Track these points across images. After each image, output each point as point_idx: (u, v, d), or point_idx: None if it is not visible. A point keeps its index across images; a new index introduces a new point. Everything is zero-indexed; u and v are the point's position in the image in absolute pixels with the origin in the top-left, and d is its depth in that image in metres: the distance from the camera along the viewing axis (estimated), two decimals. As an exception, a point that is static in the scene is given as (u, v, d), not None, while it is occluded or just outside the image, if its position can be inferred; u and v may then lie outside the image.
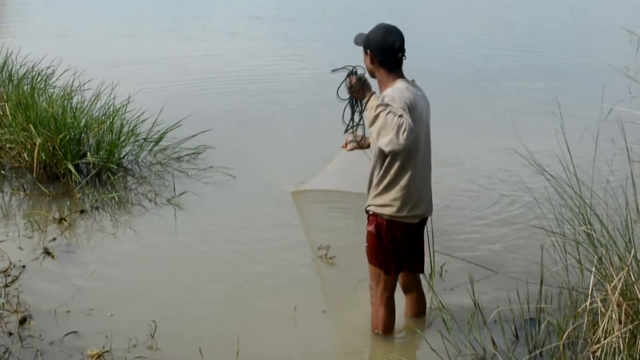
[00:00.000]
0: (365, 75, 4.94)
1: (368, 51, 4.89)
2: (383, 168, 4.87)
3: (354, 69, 4.95)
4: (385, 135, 4.55)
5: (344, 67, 4.98)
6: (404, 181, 4.85)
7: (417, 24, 18.51)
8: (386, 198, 4.92)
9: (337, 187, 7.25)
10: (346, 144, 5.69)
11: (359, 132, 5.33)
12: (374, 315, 5.29)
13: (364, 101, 4.82)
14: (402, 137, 4.49)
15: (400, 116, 4.52)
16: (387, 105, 4.60)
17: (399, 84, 4.81)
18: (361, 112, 5.03)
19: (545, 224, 5.64)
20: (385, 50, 4.81)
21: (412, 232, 5.06)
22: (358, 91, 4.91)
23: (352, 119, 5.13)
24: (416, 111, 4.71)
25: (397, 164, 4.82)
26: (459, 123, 10.36)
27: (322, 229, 7.20)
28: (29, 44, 12.92)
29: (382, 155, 4.83)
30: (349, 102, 5.08)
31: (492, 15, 22.08)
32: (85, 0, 24.09)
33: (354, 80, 4.91)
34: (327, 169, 7.04)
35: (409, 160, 4.81)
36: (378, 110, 4.60)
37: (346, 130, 5.25)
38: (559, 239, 5.09)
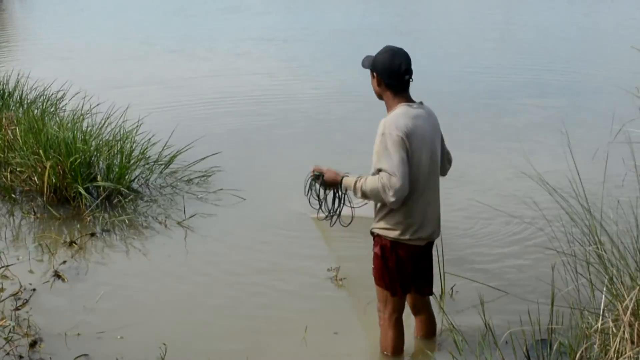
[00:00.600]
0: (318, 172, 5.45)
1: (375, 74, 4.90)
2: None
3: (312, 176, 5.55)
4: (379, 199, 4.78)
5: (310, 179, 5.64)
6: (407, 206, 4.84)
7: (427, 44, 18.60)
8: (389, 222, 4.92)
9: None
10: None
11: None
12: (382, 337, 5.27)
13: (340, 186, 5.22)
14: (389, 196, 4.68)
15: (379, 171, 4.73)
16: (359, 177, 4.89)
17: (399, 109, 4.82)
18: (344, 194, 5.60)
19: (555, 245, 5.62)
20: (392, 73, 4.82)
21: (417, 254, 5.05)
22: (330, 184, 5.37)
23: (332, 207, 5.75)
24: (415, 136, 4.73)
25: None
26: (468, 141, 10.35)
27: (332, 251, 7.19)
28: (38, 67, 13.05)
29: None
30: (333, 193, 5.68)
31: (503, 34, 22.14)
32: (89, 23, 24.31)
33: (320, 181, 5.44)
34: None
35: (412, 186, 4.79)
36: (358, 185, 4.86)
37: (326, 217, 5.90)
38: (569, 259, 5.07)
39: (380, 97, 4.98)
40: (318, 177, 5.41)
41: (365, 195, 4.82)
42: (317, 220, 7.51)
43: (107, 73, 15.33)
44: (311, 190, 5.71)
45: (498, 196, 8.41)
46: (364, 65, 5.02)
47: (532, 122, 11.90)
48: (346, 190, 5.29)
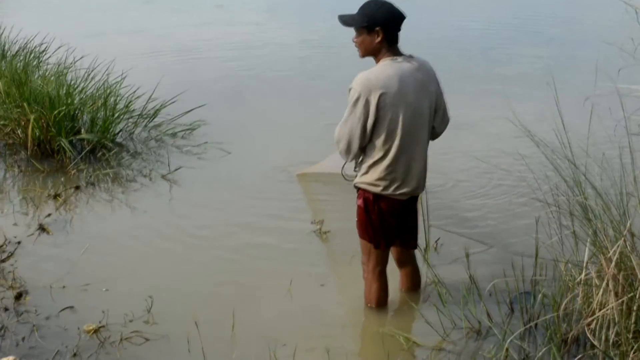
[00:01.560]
0: None
1: (377, 29, 4.77)
2: (365, 150, 4.87)
3: None
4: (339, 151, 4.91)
5: None
6: (387, 161, 4.82)
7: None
8: (371, 177, 4.90)
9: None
10: None
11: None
12: (366, 290, 5.29)
13: None
14: (342, 151, 4.86)
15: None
16: None
17: (379, 65, 4.81)
18: None
19: (540, 197, 5.64)
20: (394, 22, 4.79)
21: (400, 208, 5.04)
22: None
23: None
24: (387, 94, 4.66)
25: (377, 146, 4.80)
26: (453, 91, 10.32)
27: (318, 201, 7.20)
28: (19, 20, 12.83)
29: None
30: None
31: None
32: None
33: None
34: (332, 156, 7.05)
35: (389, 140, 4.77)
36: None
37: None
38: (554, 212, 5.09)
39: (373, 54, 4.88)
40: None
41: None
42: (302, 176, 7.51)
43: (87, 26, 15.12)
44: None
45: (484, 148, 8.41)
46: (347, 23, 4.90)
47: (519, 72, 11.92)
48: None
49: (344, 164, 5.20)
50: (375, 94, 4.66)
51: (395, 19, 4.79)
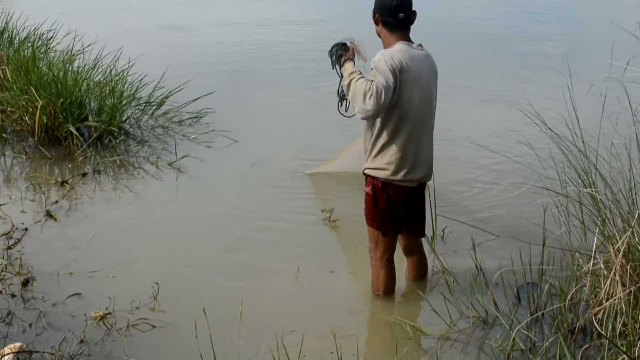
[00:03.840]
0: (351, 43, 5.09)
1: (376, 15, 4.94)
2: (375, 132, 4.91)
3: (341, 42, 5.12)
4: (356, 102, 4.68)
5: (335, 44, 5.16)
6: (397, 145, 4.85)
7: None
8: (380, 162, 4.93)
9: (351, 169, 7.07)
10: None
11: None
12: (374, 278, 5.30)
13: (340, 69, 5.03)
14: (369, 103, 4.58)
15: (371, 81, 4.60)
16: (359, 72, 4.78)
17: (397, 45, 4.85)
18: (341, 80, 5.09)
19: (548, 185, 5.62)
20: (385, 9, 4.85)
21: (409, 195, 5.06)
22: (339, 59, 5.07)
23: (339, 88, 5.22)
24: (409, 73, 4.74)
25: (389, 128, 4.84)
26: (461, 76, 10.35)
27: (326, 194, 7.19)
28: (28, 8, 12.82)
29: (372, 121, 4.88)
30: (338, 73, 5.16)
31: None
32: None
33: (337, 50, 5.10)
34: (342, 155, 7.07)
35: (402, 123, 4.82)
36: (350, 78, 4.78)
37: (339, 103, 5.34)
38: (562, 201, 5.08)
39: (380, 36, 5.01)
40: (343, 46, 5.11)
41: (348, 90, 4.80)
42: (313, 175, 7.45)
43: (96, 14, 15.11)
44: (331, 53, 5.22)
45: (491, 136, 8.40)
46: None
47: (527, 60, 11.86)
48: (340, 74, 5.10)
49: (366, 155, 5.08)
50: (400, 70, 4.70)
51: (387, 5, 4.86)
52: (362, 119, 4.80)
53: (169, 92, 9.00)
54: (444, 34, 13.43)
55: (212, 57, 12.16)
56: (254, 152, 8.06)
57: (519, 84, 8.81)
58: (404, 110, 4.78)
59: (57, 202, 6.79)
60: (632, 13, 13.76)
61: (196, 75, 9.96)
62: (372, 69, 4.72)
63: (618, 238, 4.34)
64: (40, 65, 8.73)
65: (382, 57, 4.73)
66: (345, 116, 5.30)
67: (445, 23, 14.74)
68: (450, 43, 12.84)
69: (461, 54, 12.25)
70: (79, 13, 14.33)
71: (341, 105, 5.26)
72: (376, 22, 4.96)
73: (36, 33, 10.61)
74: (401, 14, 4.83)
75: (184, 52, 12.34)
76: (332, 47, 5.14)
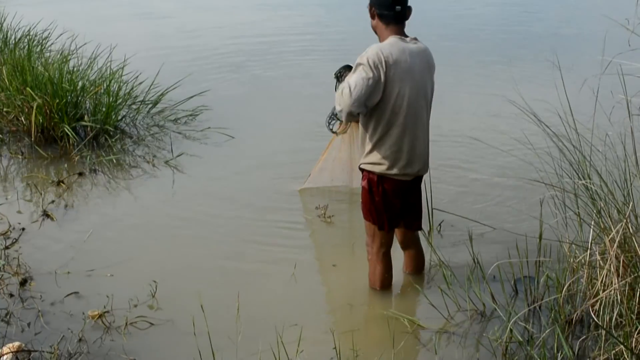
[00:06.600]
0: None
1: (370, 5, 4.96)
2: (370, 128, 4.92)
3: (346, 65, 5.59)
4: (336, 106, 4.88)
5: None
6: (392, 139, 4.87)
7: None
8: (376, 156, 4.94)
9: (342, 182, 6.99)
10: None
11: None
12: (371, 272, 5.31)
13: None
14: (341, 101, 4.79)
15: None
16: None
17: (388, 39, 4.88)
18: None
19: (544, 178, 5.62)
20: (382, 1, 4.86)
21: (405, 189, 5.06)
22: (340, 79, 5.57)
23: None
24: (398, 67, 4.75)
25: (382, 123, 4.85)
26: (456, 69, 10.36)
27: (320, 191, 7.20)
28: (22, 8, 12.82)
29: (366, 117, 4.90)
30: None
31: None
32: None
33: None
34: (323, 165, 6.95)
35: (394, 118, 4.83)
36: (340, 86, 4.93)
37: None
38: (558, 193, 5.08)
39: (375, 30, 5.02)
40: (347, 68, 5.49)
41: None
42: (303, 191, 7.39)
43: (90, 12, 15.12)
44: (336, 74, 5.76)
45: (487, 129, 8.42)
46: None
47: (520, 51, 11.87)
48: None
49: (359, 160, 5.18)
50: (386, 64, 4.72)
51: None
52: (346, 120, 5.11)
53: (164, 90, 9.01)
54: (436, 27, 13.46)
55: (207, 53, 12.17)
56: (250, 148, 8.08)
57: (512, 77, 8.80)
58: (395, 104, 4.79)
59: (53, 201, 6.79)
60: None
61: (192, 72, 9.97)
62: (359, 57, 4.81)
63: (613, 229, 4.34)
64: (36, 65, 8.72)
65: (365, 53, 4.76)
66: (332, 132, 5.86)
67: (439, 17, 14.76)
68: (442, 36, 12.89)
69: (452, 46, 12.29)
70: (76, 13, 14.29)
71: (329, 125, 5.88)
72: (372, 16, 4.96)
73: (31, 33, 10.61)
74: (398, 7, 4.85)
75: (177, 50, 12.33)
76: (339, 69, 5.62)
